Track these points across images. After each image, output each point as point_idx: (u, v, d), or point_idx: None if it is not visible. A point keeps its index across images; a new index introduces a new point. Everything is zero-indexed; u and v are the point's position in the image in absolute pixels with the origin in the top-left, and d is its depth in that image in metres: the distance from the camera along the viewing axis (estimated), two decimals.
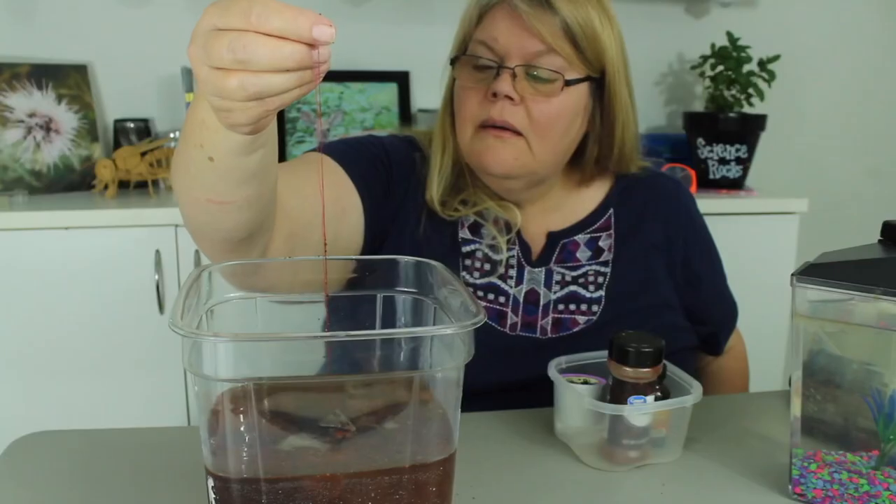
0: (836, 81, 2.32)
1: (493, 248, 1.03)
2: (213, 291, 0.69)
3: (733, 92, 2.00)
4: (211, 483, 0.56)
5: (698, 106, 2.25)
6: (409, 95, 2.06)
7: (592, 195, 1.09)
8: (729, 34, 2.01)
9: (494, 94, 0.95)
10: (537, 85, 0.95)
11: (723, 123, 1.98)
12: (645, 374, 0.77)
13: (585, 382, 0.85)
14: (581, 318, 1.01)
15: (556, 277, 1.03)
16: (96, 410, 1.66)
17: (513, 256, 1.03)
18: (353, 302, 0.76)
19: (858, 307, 0.67)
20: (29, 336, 1.60)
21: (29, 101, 1.82)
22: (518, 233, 1.04)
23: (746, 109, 2.02)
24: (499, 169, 0.98)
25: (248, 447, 0.55)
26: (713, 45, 2.02)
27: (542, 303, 1.01)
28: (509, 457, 0.81)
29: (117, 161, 1.77)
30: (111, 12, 1.93)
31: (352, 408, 0.60)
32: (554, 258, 1.04)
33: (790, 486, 0.73)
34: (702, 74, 2.08)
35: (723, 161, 2.00)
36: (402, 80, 2.05)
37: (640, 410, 0.77)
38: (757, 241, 1.86)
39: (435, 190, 1.03)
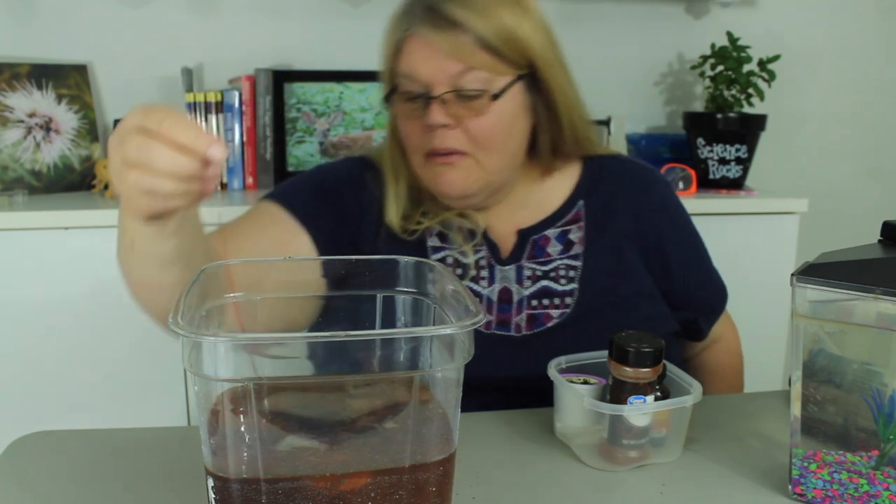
0: (836, 81, 2.31)
1: (462, 252, 1.03)
2: (213, 291, 0.69)
3: (733, 92, 2.00)
4: (211, 483, 0.56)
5: (698, 106, 2.25)
6: None
7: (560, 187, 1.08)
8: (729, 34, 2.01)
9: (430, 126, 0.96)
10: (468, 104, 0.95)
11: (723, 123, 1.98)
12: (645, 374, 0.77)
13: (585, 382, 0.85)
14: (555, 313, 1.01)
15: (527, 273, 1.02)
16: (96, 410, 1.66)
17: (483, 258, 1.03)
18: (353, 302, 0.76)
19: (858, 307, 0.67)
20: (29, 336, 1.60)
21: (29, 101, 1.82)
22: (485, 234, 1.04)
23: (746, 109, 2.02)
24: (454, 192, 0.99)
25: (248, 447, 0.55)
26: (713, 45, 2.02)
27: (515, 300, 1.01)
28: (509, 457, 0.81)
29: None
30: (111, 12, 1.93)
31: (352, 408, 0.60)
32: (525, 255, 1.04)
33: (790, 486, 0.73)
34: (702, 74, 2.08)
35: (723, 161, 2.00)
36: None
37: (640, 410, 0.77)
38: (757, 241, 1.86)
39: (393, 215, 1.03)
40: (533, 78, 0.98)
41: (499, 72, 0.95)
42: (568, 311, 1.01)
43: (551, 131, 1.03)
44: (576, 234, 1.05)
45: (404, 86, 0.98)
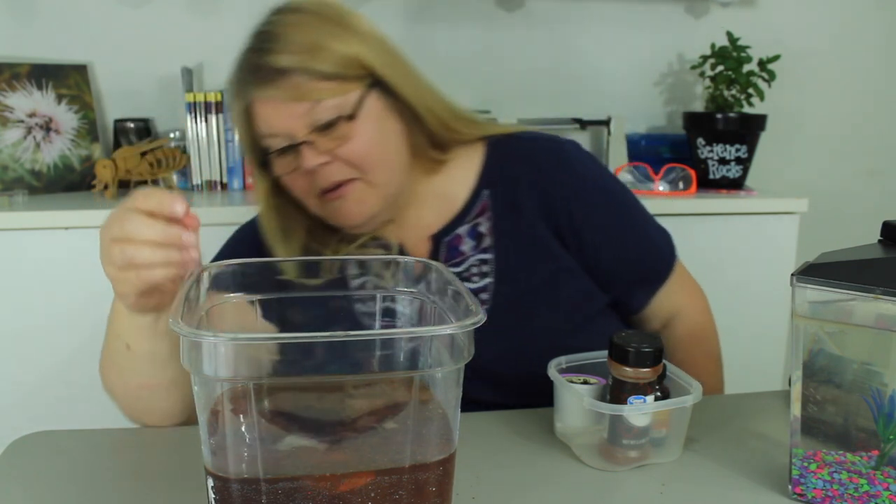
0: (836, 81, 2.31)
1: (379, 275, 1.01)
2: (212, 291, 0.69)
3: (733, 92, 2.00)
4: (211, 483, 0.56)
5: (698, 106, 2.25)
6: None
7: (463, 178, 1.06)
8: (729, 34, 2.01)
9: (309, 170, 0.96)
10: (332, 135, 0.95)
11: (723, 123, 1.98)
12: (645, 373, 0.77)
13: (585, 382, 0.85)
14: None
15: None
16: (96, 410, 1.65)
17: (400, 271, 1.01)
18: (353, 302, 0.76)
19: (858, 307, 0.67)
20: (29, 336, 1.60)
21: (29, 101, 1.82)
22: (401, 250, 1.04)
23: (746, 109, 2.02)
24: (356, 221, 1.00)
25: (248, 447, 0.55)
26: (713, 45, 2.02)
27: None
28: (509, 457, 0.81)
29: (117, 161, 1.77)
30: (111, 12, 1.93)
31: (352, 408, 0.60)
32: (441, 260, 1.03)
33: (790, 486, 0.73)
34: (702, 74, 2.08)
35: (723, 161, 2.00)
36: None
37: (640, 410, 0.77)
38: (757, 241, 1.86)
39: (293, 274, 1.03)
40: (381, 84, 0.99)
41: (345, 92, 0.95)
42: (485, 307, 1.00)
43: (419, 126, 1.02)
44: (485, 226, 1.03)
45: (272, 145, 0.98)
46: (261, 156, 1.01)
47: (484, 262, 1.02)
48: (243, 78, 0.97)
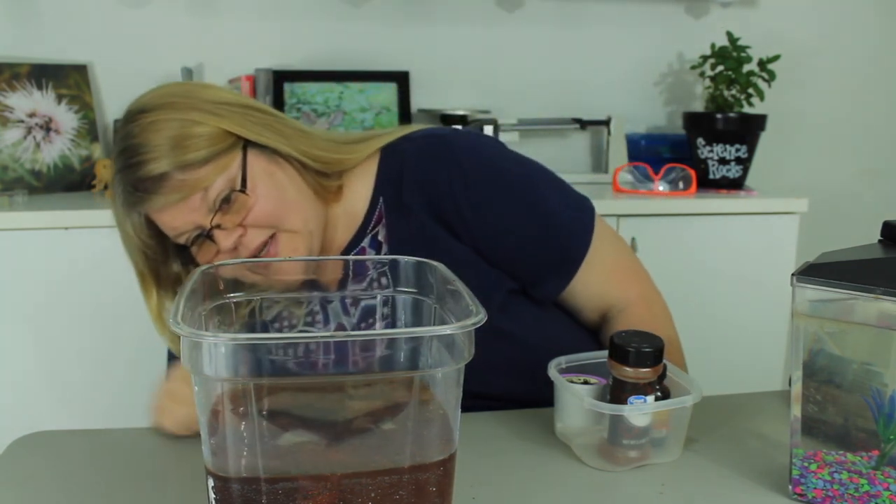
0: (836, 81, 2.31)
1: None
2: (212, 291, 0.69)
3: (733, 92, 2.00)
4: (211, 483, 0.56)
5: (698, 106, 2.25)
6: (409, 95, 2.06)
7: (360, 191, 1.04)
8: (729, 34, 2.01)
9: (230, 250, 0.95)
10: (234, 209, 0.94)
11: (723, 123, 1.98)
12: (645, 374, 0.77)
13: (585, 382, 0.85)
14: (381, 325, 0.93)
15: (349, 300, 0.96)
16: (96, 410, 1.66)
17: (315, 302, 0.98)
18: (353, 302, 0.76)
19: (858, 307, 0.67)
20: (28, 336, 1.60)
21: (29, 101, 1.82)
22: (316, 285, 1.02)
23: (746, 109, 2.02)
24: (290, 272, 0.95)
25: (249, 447, 0.55)
26: (713, 45, 2.02)
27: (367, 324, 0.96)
28: (509, 457, 0.81)
29: None
30: (111, 12, 1.93)
31: (352, 408, 0.60)
32: (349, 278, 1.01)
33: (790, 487, 0.73)
34: (702, 74, 2.08)
35: (723, 161, 2.00)
36: (401, 80, 2.05)
37: (640, 410, 0.77)
38: (757, 241, 1.86)
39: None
40: (252, 143, 0.97)
41: (226, 167, 0.94)
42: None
43: (304, 167, 1.00)
44: (382, 234, 1.02)
45: (184, 240, 0.97)
46: (167, 258, 1.00)
47: (382, 273, 1.00)
48: (128, 199, 0.95)
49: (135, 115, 0.95)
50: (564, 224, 1.02)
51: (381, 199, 1.03)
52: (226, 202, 0.94)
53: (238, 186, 0.94)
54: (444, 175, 1.00)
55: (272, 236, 0.96)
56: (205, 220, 0.94)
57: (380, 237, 1.02)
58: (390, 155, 1.04)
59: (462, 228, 1.00)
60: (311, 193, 1.01)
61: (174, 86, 1.01)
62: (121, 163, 0.95)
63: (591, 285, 1.03)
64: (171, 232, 0.96)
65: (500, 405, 0.95)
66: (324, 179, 1.02)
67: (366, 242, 1.02)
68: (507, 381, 0.99)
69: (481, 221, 1.00)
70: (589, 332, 1.08)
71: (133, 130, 0.94)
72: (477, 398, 0.98)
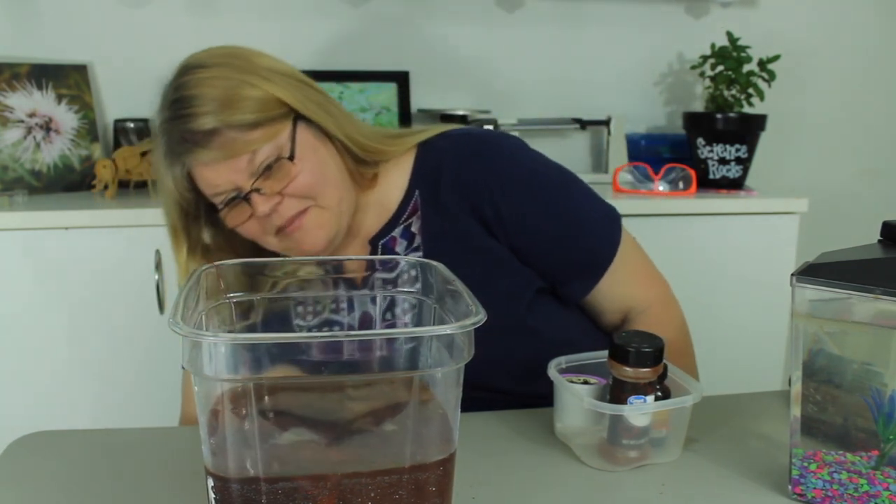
0: (836, 81, 2.31)
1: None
2: (212, 291, 0.69)
3: (733, 92, 2.00)
4: (211, 483, 0.56)
5: (698, 106, 2.25)
6: (409, 95, 2.06)
7: (395, 183, 1.07)
8: (729, 34, 2.01)
9: (263, 215, 0.97)
10: (275, 176, 0.96)
11: (723, 123, 1.98)
12: (645, 374, 0.77)
13: (585, 382, 0.85)
14: (407, 317, 0.99)
15: (378, 287, 1.01)
16: (96, 410, 1.66)
17: (341, 289, 1.01)
18: (352, 302, 0.76)
19: (858, 307, 0.67)
20: (28, 336, 1.60)
21: (29, 101, 1.82)
22: (341, 269, 1.04)
23: (746, 109, 2.02)
24: (319, 246, 1.00)
25: (248, 447, 0.55)
26: (713, 45, 2.02)
27: (374, 320, 1.00)
28: (509, 457, 0.81)
29: (117, 161, 1.77)
30: (111, 12, 1.93)
31: (352, 408, 0.60)
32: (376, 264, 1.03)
33: (790, 487, 0.73)
34: (702, 74, 2.08)
35: (723, 161, 2.00)
36: (401, 80, 2.05)
37: (640, 410, 0.77)
38: (757, 241, 1.86)
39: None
40: (302, 116, 0.99)
41: (276, 135, 0.96)
42: (417, 309, 0.99)
43: (346, 150, 1.03)
44: (416, 226, 1.04)
45: (220, 200, 0.99)
46: (200, 215, 1.01)
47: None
48: (174, 149, 0.96)
49: (191, 69, 0.98)
50: (595, 229, 1.05)
51: (416, 193, 1.05)
52: (269, 168, 0.96)
53: (286, 154, 0.96)
54: (483, 173, 1.03)
55: (304, 210, 0.98)
56: (245, 183, 0.96)
57: (413, 229, 1.04)
58: (428, 151, 1.07)
59: (498, 226, 1.02)
60: (348, 176, 1.04)
61: (233, 48, 1.02)
62: (170, 113, 0.97)
63: (616, 287, 1.06)
64: (210, 189, 0.98)
65: (516, 401, 0.96)
66: (361, 166, 1.05)
67: (397, 232, 1.05)
68: (528, 377, 1.00)
69: (517, 220, 1.02)
70: (608, 336, 1.10)
71: (188, 83, 0.96)
72: (496, 392, 0.99)
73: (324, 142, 1.01)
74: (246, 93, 0.95)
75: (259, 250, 1.04)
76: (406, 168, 1.07)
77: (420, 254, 1.02)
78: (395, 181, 1.07)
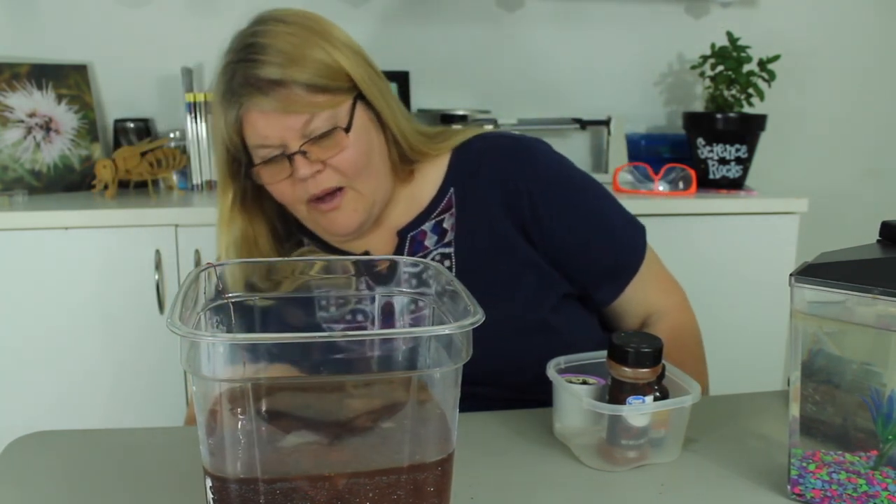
0: (836, 81, 2.31)
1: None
2: (212, 291, 0.69)
3: (733, 92, 2.00)
4: (209, 483, 0.56)
5: (698, 106, 2.25)
6: (409, 95, 2.06)
7: (430, 179, 1.08)
8: (729, 34, 2.01)
9: (301, 179, 0.98)
10: (325, 145, 0.97)
11: (723, 123, 1.98)
12: (644, 374, 0.77)
13: (584, 383, 0.85)
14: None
15: (404, 277, 1.02)
16: (96, 410, 1.66)
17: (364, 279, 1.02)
18: (352, 302, 0.76)
19: (857, 307, 0.67)
20: (28, 336, 1.60)
21: (29, 101, 1.82)
22: (366, 254, 1.06)
23: (746, 109, 2.02)
24: (349, 230, 1.02)
25: (246, 447, 0.55)
26: (713, 45, 2.02)
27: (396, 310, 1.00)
28: (508, 457, 0.81)
29: (117, 161, 1.77)
30: (111, 12, 1.93)
31: (350, 408, 0.60)
32: (405, 254, 1.05)
33: (789, 487, 0.73)
34: (702, 74, 2.08)
35: (723, 161, 2.00)
36: (401, 80, 2.05)
37: (639, 411, 0.77)
38: (757, 241, 1.86)
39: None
40: (363, 97, 1.01)
41: (337, 105, 0.98)
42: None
43: (392, 142, 1.05)
44: (448, 222, 1.05)
45: (260, 154, 0.99)
46: (242, 164, 1.02)
47: (445, 256, 1.04)
48: (234, 89, 0.97)
49: (269, 20, 1.00)
50: (623, 237, 1.09)
51: (451, 190, 1.07)
52: (322, 136, 0.97)
53: (342, 125, 0.98)
54: (522, 175, 1.05)
55: (340, 189, 1.00)
56: (294, 142, 0.97)
57: (445, 225, 1.05)
58: (464, 151, 1.09)
59: (534, 227, 1.04)
60: (389, 168, 1.05)
61: (312, 13, 1.03)
62: (239, 56, 0.98)
63: (640, 293, 1.09)
64: (257, 139, 0.98)
65: (533, 399, 0.96)
66: (403, 161, 1.07)
67: (427, 226, 1.06)
68: (543, 376, 1.00)
69: (553, 225, 1.04)
70: None
71: (264, 32, 0.98)
72: (506, 390, 1.00)
73: (376, 129, 1.03)
74: (317, 56, 0.96)
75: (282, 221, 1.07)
76: (441, 166, 1.09)
77: (451, 249, 1.04)
78: (429, 177, 1.09)
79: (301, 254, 1.07)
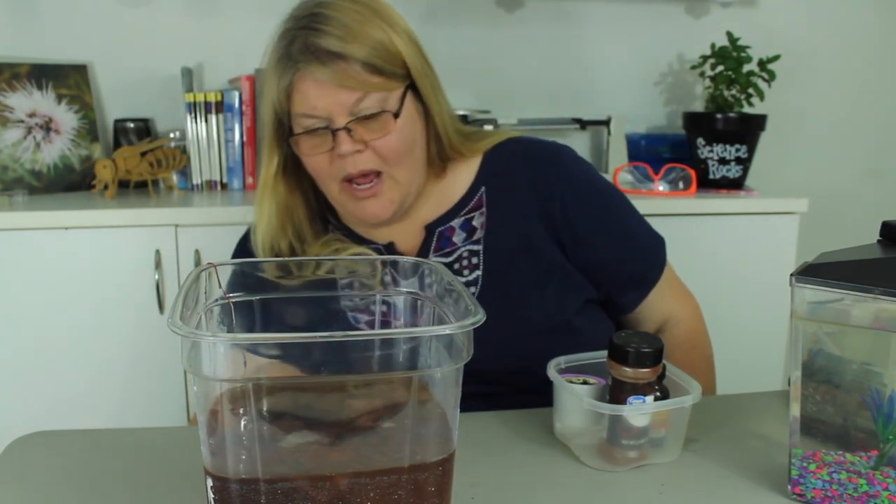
0: (836, 81, 2.31)
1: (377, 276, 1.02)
2: (212, 291, 0.69)
3: (733, 92, 2.00)
4: (210, 483, 0.56)
5: (698, 106, 2.24)
6: None
7: (462, 178, 1.10)
8: (729, 34, 2.01)
9: (341, 156, 0.98)
10: (371, 126, 0.98)
11: (723, 123, 1.98)
12: (644, 374, 0.77)
13: (585, 382, 0.85)
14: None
15: (405, 276, 1.02)
16: (96, 410, 1.66)
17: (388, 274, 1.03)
18: (353, 302, 0.76)
19: (857, 307, 0.67)
20: (29, 336, 1.60)
21: (29, 101, 1.82)
22: (393, 249, 1.07)
23: (746, 109, 2.02)
24: (381, 217, 1.03)
25: (247, 447, 0.55)
26: (713, 45, 2.02)
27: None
28: (509, 457, 0.81)
29: (117, 161, 1.77)
30: (111, 12, 1.93)
31: (351, 408, 0.60)
32: (431, 248, 1.06)
33: (789, 487, 0.73)
34: (702, 74, 2.08)
35: (723, 161, 2.00)
36: None
37: (640, 410, 0.77)
38: (757, 241, 1.86)
39: (263, 248, 1.05)
40: (414, 88, 1.02)
41: (389, 89, 0.99)
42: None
43: (434, 137, 1.06)
44: (478, 220, 1.06)
45: (304, 124, 0.99)
46: (286, 131, 1.02)
47: (474, 253, 1.05)
48: (291, 55, 0.97)
49: None
50: (647, 243, 1.12)
51: (482, 189, 1.08)
52: (370, 117, 0.98)
53: (391, 110, 0.98)
54: (555, 178, 1.07)
55: (378, 175, 1.01)
56: (341, 118, 0.98)
57: (474, 223, 1.06)
58: (497, 153, 1.11)
59: (566, 234, 1.05)
60: (425, 160, 1.07)
61: None
62: (302, 23, 0.98)
63: (659, 300, 1.12)
64: (304, 107, 0.98)
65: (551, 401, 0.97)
66: (438, 156, 1.08)
67: (456, 223, 1.07)
68: None
69: (585, 230, 1.06)
70: None
71: (331, 3, 0.98)
72: (534, 392, 1.00)
73: (422, 121, 1.04)
74: (378, 36, 0.97)
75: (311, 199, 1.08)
76: (473, 166, 1.10)
77: (480, 247, 1.05)
78: (460, 176, 1.10)
79: (326, 241, 1.08)
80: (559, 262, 1.05)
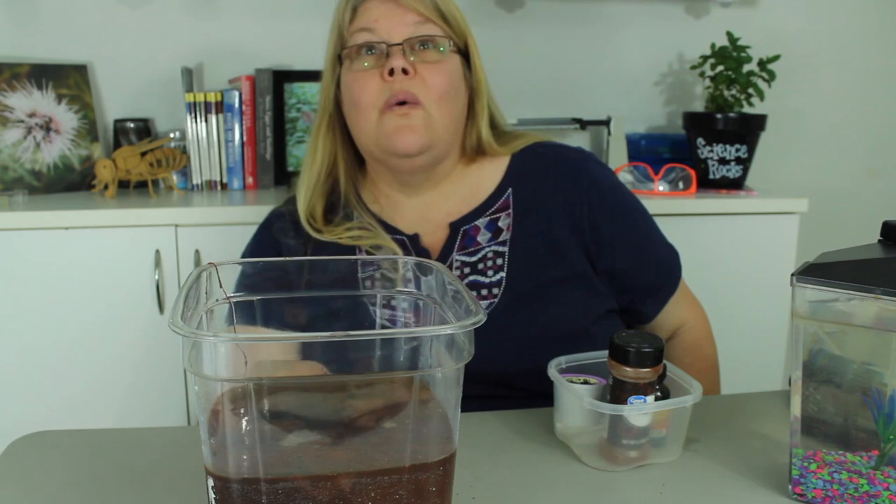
0: (836, 81, 2.31)
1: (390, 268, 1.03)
2: (213, 291, 0.69)
3: (733, 92, 2.00)
4: (211, 483, 0.56)
5: (698, 106, 2.25)
6: None
7: (489, 177, 1.11)
8: (729, 34, 2.01)
9: (391, 73, 1.01)
10: (426, 54, 1.03)
11: (723, 123, 1.98)
12: (645, 374, 0.77)
13: (585, 382, 0.85)
14: (483, 304, 1.02)
15: (455, 270, 1.04)
16: (96, 410, 1.66)
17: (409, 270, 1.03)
18: (353, 302, 0.76)
19: (858, 307, 0.67)
20: (28, 336, 1.60)
21: (29, 101, 1.82)
22: (417, 242, 1.07)
23: (746, 109, 2.02)
24: (411, 147, 1.03)
25: (248, 447, 0.55)
26: (713, 45, 2.02)
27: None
28: (509, 457, 0.81)
29: (117, 161, 1.77)
30: (111, 12, 1.93)
31: (352, 407, 0.60)
32: (455, 247, 1.06)
33: (790, 486, 0.73)
34: (702, 74, 2.08)
35: (723, 161, 2.00)
36: None
37: (640, 410, 0.77)
38: (757, 241, 1.86)
39: (304, 205, 1.10)
40: (465, 62, 1.08)
41: (447, 36, 1.05)
42: (496, 301, 1.02)
43: (476, 119, 1.10)
44: (504, 222, 1.07)
45: (360, 38, 1.04)
46: (341, 49, 1.07)
47: (499, 254, 1.05)
48: None
49: None
50: (665, 254, 1.14)
51: (509, 191, 1.09)
52: (426, 45, 1.03)
53: (442, 47, 1.04)
54: (584, 185, 1.08)
55: (417, 104, 1.03)
56: (399, 36, 1.02)
57: (500, 224, 1.07)
58: (525, 156, 1.13)
59: (592, 241, 1.07)
60: (461, 128, 1.10)
61: None
62: None
63: (675, 308, 1.15)
64: (367, 22, 1.03)
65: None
66: (470, 146, 1.12)
67: (481, 222, 1.08)
68: None
69: (611, 238, 1.07)
70: None
71: None
72: (548, 395, 1.00)
73: (466, 93, 1.09)
74: (452, 4, 1.07)
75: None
76: (500, 166, 1.12)
77: (505, 249, 1.05)
78: (487, 176, 1.11)
79: (350, 227, 1.09)
80: (583, 271, 1.06)
